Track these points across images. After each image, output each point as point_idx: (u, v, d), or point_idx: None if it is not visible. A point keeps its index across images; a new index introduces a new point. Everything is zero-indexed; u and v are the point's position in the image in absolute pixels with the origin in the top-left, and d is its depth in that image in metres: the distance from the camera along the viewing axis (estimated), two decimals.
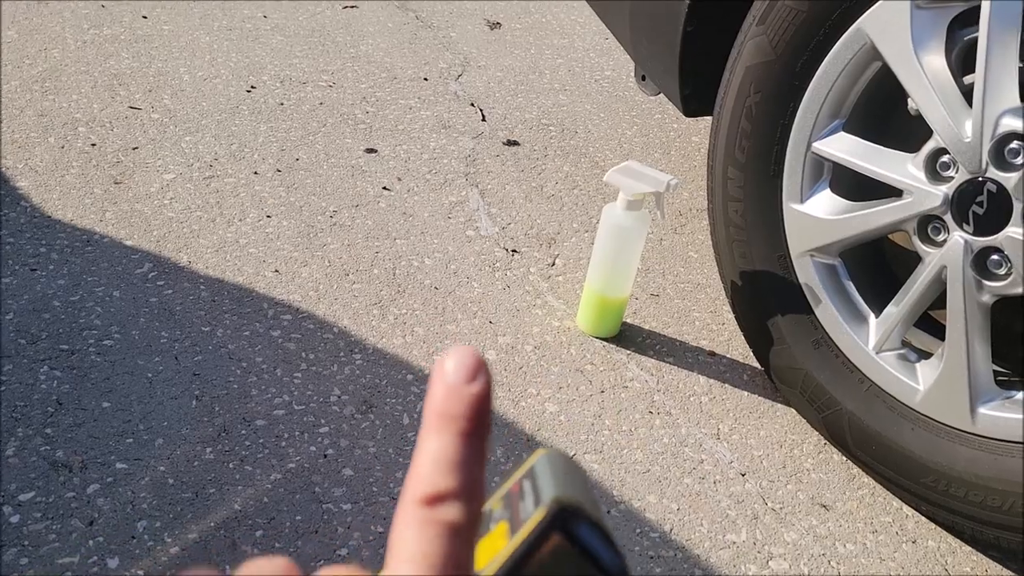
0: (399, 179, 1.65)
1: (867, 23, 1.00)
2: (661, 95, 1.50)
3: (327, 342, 1.22)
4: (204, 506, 0.95)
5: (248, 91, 1.85)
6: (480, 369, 0.24)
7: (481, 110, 1.96)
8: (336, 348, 1.21)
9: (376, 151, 1.72)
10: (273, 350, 1.19)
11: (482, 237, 1.52)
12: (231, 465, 1.00)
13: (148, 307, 1.23)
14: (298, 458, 1.03)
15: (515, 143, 1.85)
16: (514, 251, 1.50)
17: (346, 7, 2.33)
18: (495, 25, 2.41)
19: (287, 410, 1.10)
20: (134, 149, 1.59)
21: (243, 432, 1.05)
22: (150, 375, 1.11)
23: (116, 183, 1.49)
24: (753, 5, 1.14)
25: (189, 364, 1.14)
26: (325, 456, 1.04)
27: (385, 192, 1.60)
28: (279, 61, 2.00)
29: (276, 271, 1.34)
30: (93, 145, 1.58)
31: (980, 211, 0.94)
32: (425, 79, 2.05)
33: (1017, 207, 0.91)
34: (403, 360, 1.21)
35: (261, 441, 1.04)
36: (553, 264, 1.48)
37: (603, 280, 1.29)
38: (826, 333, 1.15)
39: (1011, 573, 1.04)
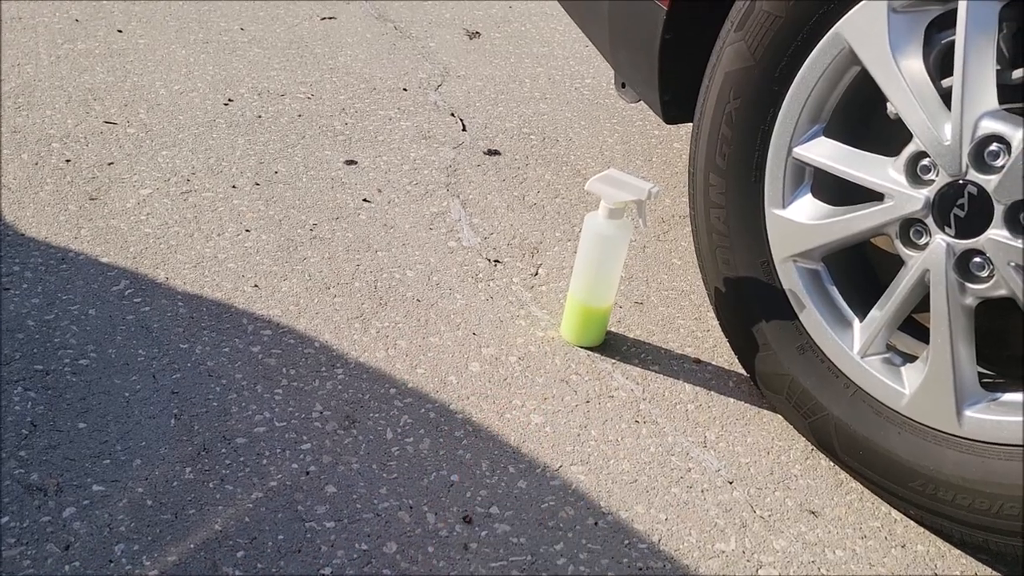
0: (379, 190, 1.63)
1: (845, 28, 1.00)
2: (642, 102, 1.50)
3: (308, 357, 1.20)
4: (184, 527, 0.93)
5: (225, 104, 1.83)
6: None
7: (461, 120, 1.95)
8: (317, 363, 1.19)
9: (356, 163, 1.71)
10: (253, 366, 1.17)
11: (464, 248, 1.51)
12: (211, 485, 0.98)
13: (125, 325, 1.20)
14: (280, 476, 1.01)
15: (496, 152, 1.84)
16: (497, 261, 1.49)
17: (324, 18, 2.32)
18: (474, 35, 2.41)
19: (268, 427, 1.08)
20: (109, 164, 1.57)
21: (223, 450, 1.03)
22: (127, 394, 1.09)
23: (91, 199, 1.47)
24: (731, 11, 1.14)
25: (167, 382, 1.12)
26: (307, 473, 1.02)
27: (365, 204, 1.59)
28: (257, 74, 1.98)
29: (255, 286, 1.32)
30: (68, 161, 1.56)
31: (961, 214, 0.94)
32: (404, 89, 2.04)
33: (998, 209, 0.91)
34: (386, 374, 1.19)
35: (242, 459, 1.02)
36: (536, 274, 1.47)
37: (586, 289, 1.28)
38: (811, 338, 1.15)
39: None
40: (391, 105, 1.96)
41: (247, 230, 1.45)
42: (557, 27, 2.53)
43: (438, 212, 1.60)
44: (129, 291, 1.27)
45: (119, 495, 0.96)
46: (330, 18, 2.33)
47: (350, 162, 1.71)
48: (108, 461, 1.00)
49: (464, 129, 1.91)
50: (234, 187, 1.56)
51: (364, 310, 1.31)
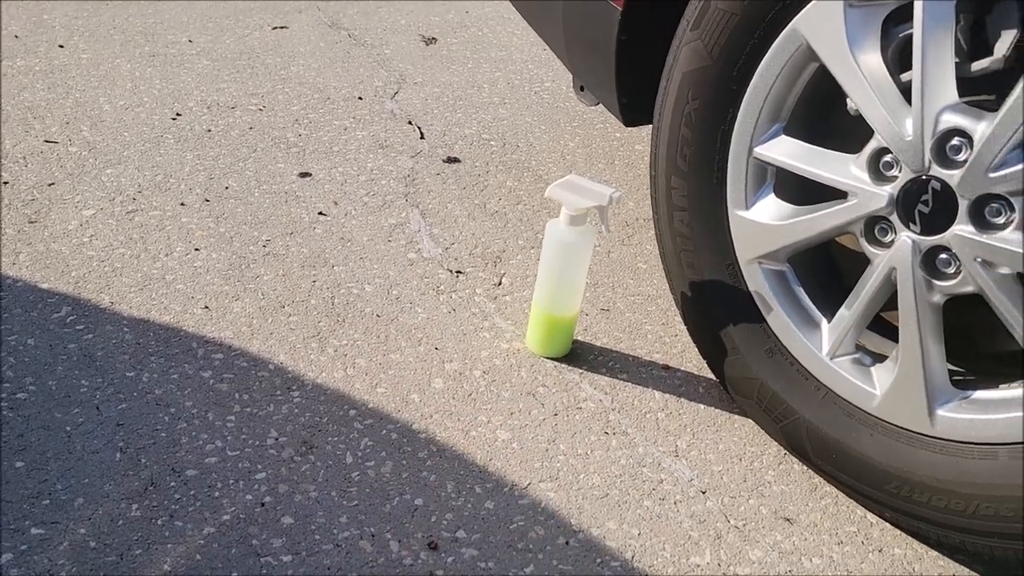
0: (335, 203, 1.59)
1: (801, 24, 0.98)
2: (601, 105, 1.47)
3: (262, 380, 1.15)
4: (130, 569, 0.88)
5: (173, 119, 1.77)
6: None
7: (419, 127, 1.91)
8: (272, 386, 1.14)
9: (310, 175, 1.66)
10: (204, 393, 1.12)
11: (424, 259, 1.47)
12: (159, 522, 0.93)
13: (66, 354, 1.15)
14: (233, 509, 0.96)
15: (455, 160, 1.80)
16: (458, 272, 1.45)
17: (275, 28, 2.26)
18: (431, 40, 2.37)
19: (220, 457, 1.03)
20: (50, 185, 1.50)
21: (172, 484, 0.98)
22: (69, 428, 1.04)
23: (31, 222, 1.40)
24: (687, 9, 1.11)
25: (112, 414, 1.06)
26: (262, 504, 0.97)
27: (321, 217, 1.54)
28: (206, 86, 1.92)
29: (206, 307, 1.27)
30: (5, 183, 1.49)
31: (926, 210, 0.92)
32: (360, 98, 1.99)
33: (962, 204, 0.89)
34: (345, 395, 1.15)
35: (192, 493, 0.97)
36: (499, 283, 1.43)
37: (550, 298, 1.24)
38: (779, 341, 1.13)
39: None
40: (346, 115, 1.91)
41: (196, 249, 1.40)
42: (515, 31, 2.50)
43: (397, 223, 1.56)
44: (71, 318, 1.21)
45: (59, 538, 0.90)
46: (281, 27, 2.27)
47: (304, 174, 1.66)
48: (48, 501, 0.94)
49: (422, 137, 1.87)
50: (183, 204, 1.50)
51: (321, 328, 1.26)
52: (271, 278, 1.36)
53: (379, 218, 1.56)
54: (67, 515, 0.92)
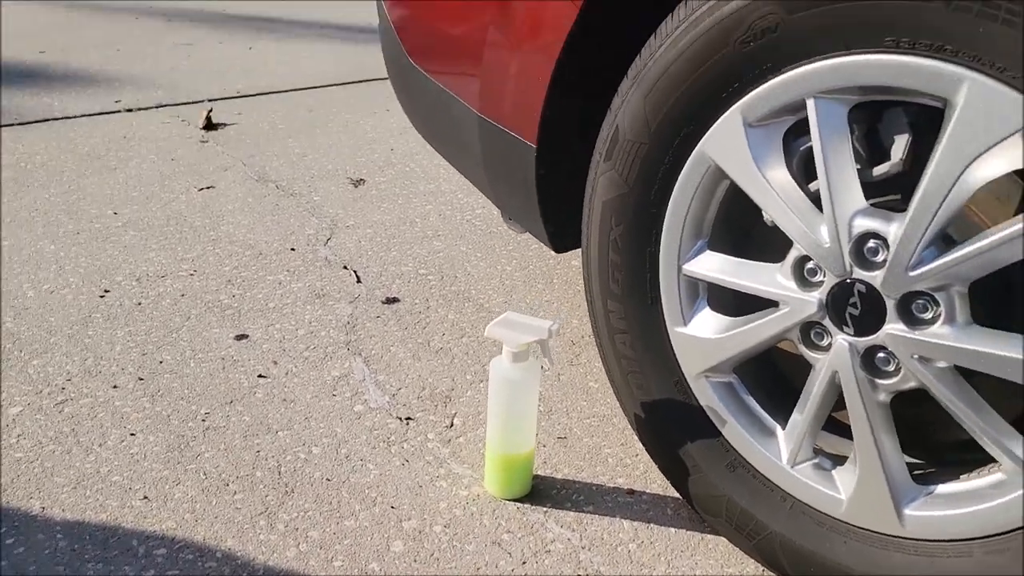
0: (275, 362, 1.55)
1: (707, 146, 1.01)
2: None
3: (210, 572, 1.08)
4: None
5: (101, 296, 1.74)
6: None
7: (355, 272, 1.90)
8: None
9: (247, 336, 1.63)
10: None
11: (372, 410, 1.43)
12: None
13: None
14: None
15: (395, 300, 1.79)
16: (408, 419, 1.41)
17: (202, 189, 2.27)
18: (359, 182, 2.40)
19: None
20: None
21: None
22: None
23: None
24: (597, 142, 1.14)
25: None
26: None
27: (261, 380, 1.50)
28: (134, 258, 1.90)
29: (145, 498, 1.20)
30: None
31: (856, 312, 0.93)
32: (292, 249, 1.99)
33: (889, 304, 0.90)
34: (300, 574, 1.08)
35: None
36: (451, 425, 1.40)
37: (503, 438, 1.21)
38: (738, 454, 1.11)
39: None
40: (280, 268, 1.90)
41: (132, 434, 1.34)
42: (441, 163, 2.55)
43: (340, 375, 1.52)
44: (1, 531, 1.13)
45: None
46: (208, 188, 2.28)
47: (241, 336, 1.63)
48: None
49: (359, 281, 1.86)
50: (115, 387, 1.45)
51: (269, 503, 1.21)
52: (213, 454, 1.30)
53: (321, 372, 1.53)
54: None
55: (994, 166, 0.79)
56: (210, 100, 2.92)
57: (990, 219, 0.88)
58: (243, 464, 1.28)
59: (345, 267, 1.92)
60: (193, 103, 2.88)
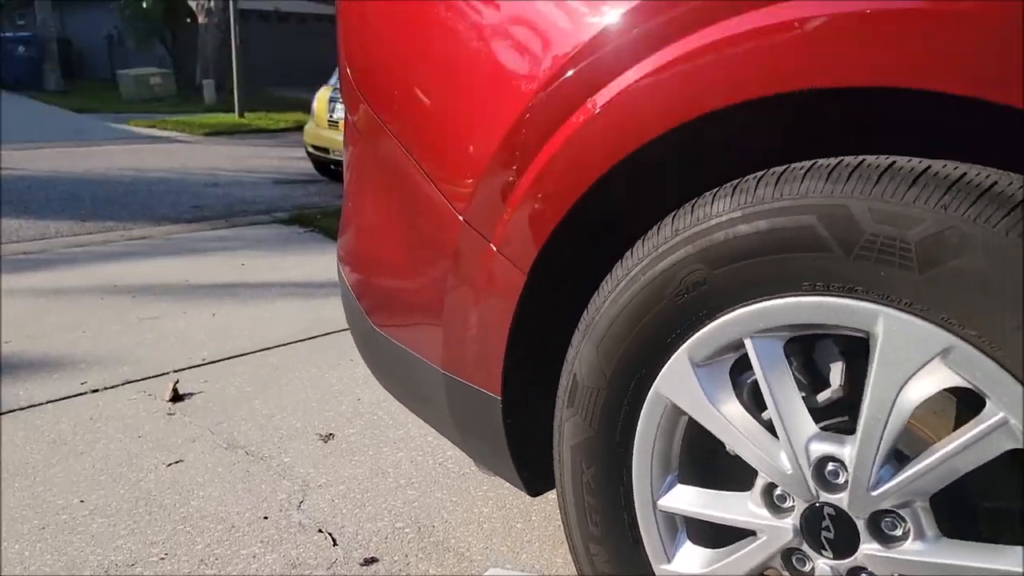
0: None
1: (662, 387, 1.08)
2: None
3: None
4: None
5: None
6: None
7: (330, 534, 1.87)
8: None
9: None
10: None
11: None
12: None
13: None
14: None
15: (373, 560, 1.75)
16: None
17: (170, 464, 2.25)
18: (328, 437, 2.41)
19: None
20: None
21: None
22: None
23: None
24: (559, 388, 1.21)
25: None
26: None
27: None
28: (102, 548, 1.84)
29: None
30: None
31: (830, 535, 0.96)
32: (265, 518, 1.95)
33: (860, 524, 0.93)
34: None
35: None
36: None
37: None
38: None
39: None
40: (254, 540, 1.85)
41: None
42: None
43: None
44: None
45: None
46: (177, 462, 2.27)
47: None
48: None
49: (335, 544, 1.83)
50: None
51: None
52: None
53: None
54: None
55: (924, 387, 0.86)
56: (176, 371, 2.97)
57: (934, 434, 0.94)
58: None
59: (320, 530, 1.89)
60: (159, 376, 2.92)
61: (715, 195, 1.00)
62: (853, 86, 0.83)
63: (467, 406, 1.36)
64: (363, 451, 2.31)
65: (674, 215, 1.04)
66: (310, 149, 7.93)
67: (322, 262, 4.74)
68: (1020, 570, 0.82)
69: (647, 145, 1.01)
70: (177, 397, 2.75)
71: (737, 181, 0.98)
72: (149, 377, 2.93)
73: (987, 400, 0.82)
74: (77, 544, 1.86)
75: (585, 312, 1.16)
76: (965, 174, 0.81)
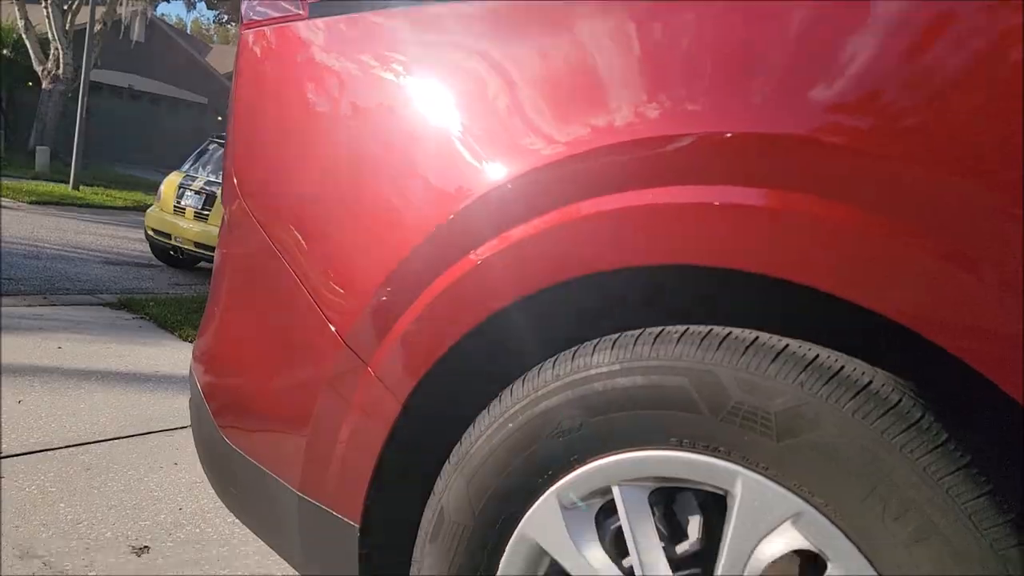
0: None
1: (527, 527, 1.10)
2: None
3: None
4: None
5: None
6: None
7: None
8: None
9: None
10: None
11: None
12: None
13: None
14: None
15: None
16: None
17: None
18: (142, 550, 2.21)
19: None
20: None
21: None
22: None
23: None
24: (423, 521, 1.19)
25: None
26: None
27: None
28: None
29: None
30: None
31: None
32: None
33: None
34: None
35: None
36: None
37: None
38: None
39: None
40: None
41: None
42: (235, 520, 2.43)
43: None
44: None
45: None
46: None
47: None
48: None
49: None
50: None
51: None
52: None
53: None
54: None
55: (775, 546, 0.94)
56: None
57: None
58: None
59: None
60: None
61: (596, 347, 1.06)
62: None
63: (321, 531, 1.31)
64: (181, 567, 2.13)
65: (555, 360, 1.10)
66: (151, 232, 7.58)
67: (150, 353, 4.45)
68: None
69: (523, 299, 1.07)
70: None
71: (617, 336, 1.06)
72: None
73: (828, 564, 0.90)
74: None
75: (458, 445, 1.17)
76: (818, 356, 0.91)
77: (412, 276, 1.17)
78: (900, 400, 0.87)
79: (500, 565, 1.12)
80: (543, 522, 1.08)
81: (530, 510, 1.10)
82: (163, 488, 2.66)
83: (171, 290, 6.80)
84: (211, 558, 2.20)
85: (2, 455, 2.76)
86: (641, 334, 1.03)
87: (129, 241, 9.41)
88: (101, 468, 2.77)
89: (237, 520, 2.41)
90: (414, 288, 1.17)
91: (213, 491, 2.57)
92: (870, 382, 0.88)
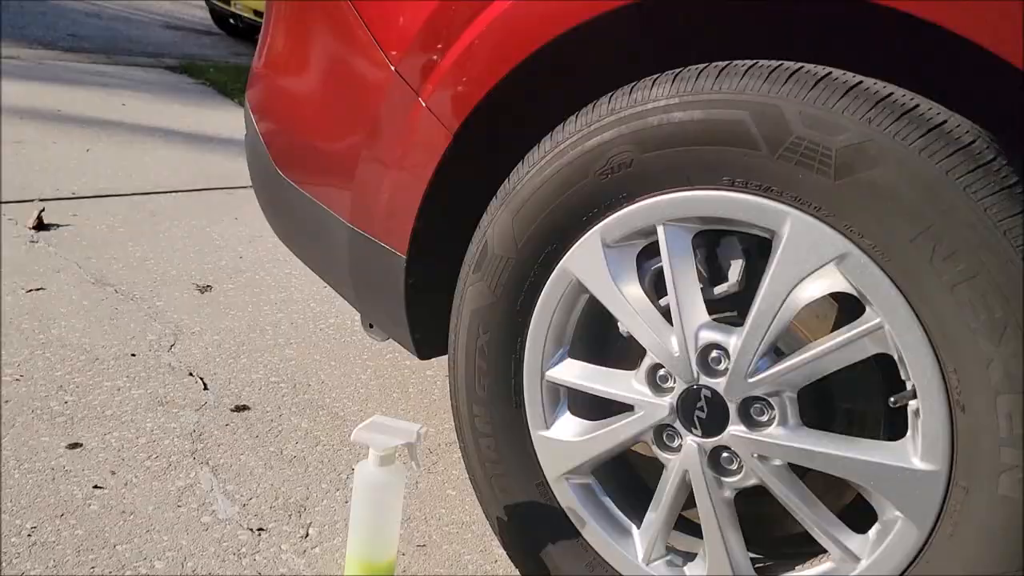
0: (113, 472, 1.45)
1: (569, 263, 1.11)
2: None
3: None
4: None
5: None
6: None
7: (201, 378, 1.84)
8: None
9: (81, 445, 1.52)
10: None
11: (220, 521, 1.37)
12: None
13: None
14: None
15: (245, 407, 1.74)
16: (260, 529, 1.36)
17: (30, 291, 2.13)
18: (205, 288, 2.34)
19: None
20: None
21: None
22: None
23: None
24: (467, 253, 1.22)
25: None
26: None
27: (97, 491, 1.40)
28: None
29: None
30: None
31: (703, 415, 1.04)
32: (133, 355, 1.89)
33: (731, 407, 1.01)
34: None
35: None
36: (307, 535, 1.36)
37: (366, 544, 1.20)
38: (597, 554, 1.16)
39: None
40: (119, 374, 1.80)
41: None
42: (292, 271, 2.54)
43: (185, 485, 1.45)
44: None
45: None
46: (38, 289, 2.15)
47: (74, 445, 1.52)
48: None
49: (206, 388, 1.80)
50: None
51: None
52: (40, 572, 1.19)
53: (165, 483, 1.45)
54: None
55: (814, 289, 0.93)
56: (42, 200, 2.77)
57: (812, 335, 1.02)
58: None
59: (191, 374, 1.85)
60: (22, 202, 2.72)
61: (655, 81, 1.02)
62: None
63: (371, 262, 1.35)
64: (241, 307, 2.26)
65: (611, 95, 1.06)
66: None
67: (211, 117, 4.49)
68: (863, 457, 0.92)
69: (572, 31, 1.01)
70: (41, 226, 2.58)
71: (679, 70, 1.01)
72: (10, 201, 2.73)
73: (868, 306, 0.90)
74: None
75: (506, 180, 1.16)
76: (892, 93, 0.86)
77: (463, 5, 1.11)
78: (973, 141, 0.82)
79: (538, 301, 1.15)
80: (585, 259, 1.10)
81: (573, 247, 1.11)
82: (224, 238, 2.77)
83: (231, 59, 6.73)
84: (269, 300, 2.32)
85: (74, 196, 2.88)
86: (705, 67, 0.98)
87: (190, 7, 9.24)
88: (166, 216, 2.88)
89: (293, 271, 2.51)
90: (465, 16, 1.11)
91: (271, 240, 2.67)
92: (944, 121, 0.83)
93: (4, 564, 1.20)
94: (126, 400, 1.70)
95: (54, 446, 1.51)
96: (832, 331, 0.99)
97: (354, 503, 1.20)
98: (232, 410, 1.73)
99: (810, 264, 0.92)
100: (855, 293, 0.91)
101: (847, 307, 0.97)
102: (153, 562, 1.25)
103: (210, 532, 1.34)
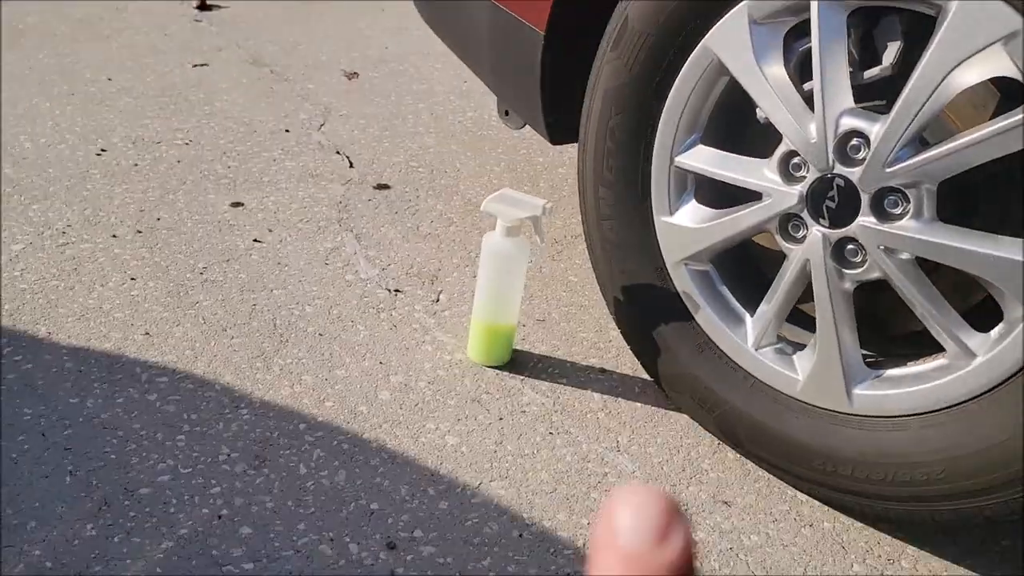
0: (270, 230, 1.60)
1: (712, 41, 1.07)
2: (526, 128, 1.55)
3: (209, 400, 1.15)
4: None
5: (98, 154, 1.76)
6: (672, 521, 0.17)
7: (348, 157, 1.94)
8: (220, 405, 1.15)
9: (243, 204, 1.67)
10: (151, 415, 1.11)
11: (362, 280, 1.50)
12: (117, 539, 0.93)
13: (6, 384, 1.13)
14: (190, 523, 0.96)
15: (386, 186, 1.84)
16: (397, 291, 1.48)
17: (196, 66, 2.27)
18: (352, 75, 2.42)
19: (172, 475, 1.03)
20: None
21: (126, 503, 0.97)
22: (15, 455, 1.02)
23: None
24: (606, 30, 1.20)
25: (59, 439, 1.05)
26: (219, 517, 0.98)
27: (256, 244, 1.55)
28: (129, 122, 1.91)
29: (146, 334, 1.27)
30: None
31: (833, 205, 1.02)
32: (286, 131, 2.02)
33: (864, 198, 0.98)
34: (293, 410, 1.16)
35: (147, 510, 0.97)
36: (437, 300, 1.47)
37: (490, 308, 1.29)
38: (708, 337, 1.20)
39: (899, 540, 1.10)
40: (274, 146, 1.93)
41: (132, 278, 1.39)
42: (435, 65, 2.57)
43: (332, 247, 1.58)
44: (8, 349, 1.19)
45: (14, 560, 0.88)
46: (202, 65, 2.28)
47: (236, 204, 1.67)
48: None
49: (351, 166, 1.91)
50: (115, 236, 1.49)
51: (265, 348, 1.28)
52: (211, 303, 1.36)
53: (314, 243, 1.59)
54: (20, 537, 0.91)
55: (975, 72, 0.87)
56: None
57: (964, 124, 0.96)
58: (240, 314, 1.35)
59: (338, 152, 1.96)
60: None
61: None
62: None
63: (509, 38, 1.35)
64: (385, 95, 2.32)
65: None
66: None
67: None
68: (998, 253, 0.89)
69: None
70: (204, 6, 2.69)
71: None
72: None
73: None
74: (105, 114, 1.93)
75: None
76: None
77: None
78: None
79: (676, 80, 1.13)
80: (729, 36, 1.05)
81: (718, 23, 1.06)
82: (371, 29, 2.81)
83: None
84: (412, 91, 2.37)
85: None
86: None
87: None
88: (317, 5, 2.94)
89: (436, 65, 2.54)
90: None
91: (416, 33, 2.68)
92: None
93: (182, 295, 1.37)
94: (281, 170, 1.83)
95: (220, 203, 1.67)
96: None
97: (481, 271, 1.28)
98: (375, 187, 1.83)
99: (976, 43, 0.85)
100: (1021, 78, 0.84)
101: (1009, 95, 0.90)
102: (304, 306, 1.40)
103: (353, 288, 1.47)
